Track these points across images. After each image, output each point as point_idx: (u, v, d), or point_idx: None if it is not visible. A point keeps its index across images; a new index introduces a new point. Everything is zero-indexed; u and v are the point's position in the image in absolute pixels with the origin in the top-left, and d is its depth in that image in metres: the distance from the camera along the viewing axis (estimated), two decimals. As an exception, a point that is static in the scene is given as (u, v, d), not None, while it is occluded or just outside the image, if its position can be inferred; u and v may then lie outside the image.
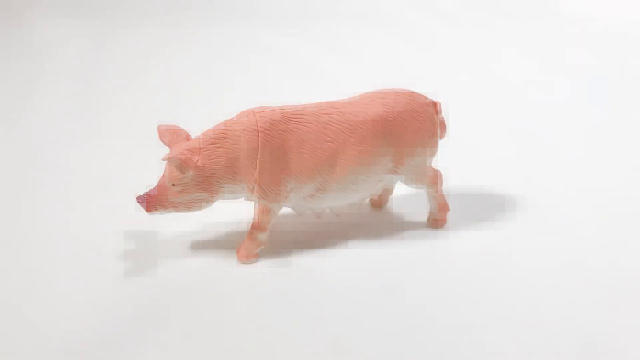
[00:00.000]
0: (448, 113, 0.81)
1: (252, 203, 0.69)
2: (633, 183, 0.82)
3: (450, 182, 0.78)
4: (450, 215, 0.72)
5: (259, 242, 0.64)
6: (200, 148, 0.61)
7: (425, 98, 0.67)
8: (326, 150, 0.62)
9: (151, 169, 0.72)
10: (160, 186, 0.61)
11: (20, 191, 0.78)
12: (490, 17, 1.68)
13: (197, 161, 0.60)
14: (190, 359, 0.52)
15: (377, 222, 0.72)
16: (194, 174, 0.60)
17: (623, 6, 1.63)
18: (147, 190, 0.62)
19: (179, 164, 0.59)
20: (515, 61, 1.34)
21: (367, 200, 0.76)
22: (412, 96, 0.66)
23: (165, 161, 0.60)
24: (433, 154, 0.67)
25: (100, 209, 0.74)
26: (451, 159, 0.81)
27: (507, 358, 0.53)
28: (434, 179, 0.69)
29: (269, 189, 0.62)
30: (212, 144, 0.61)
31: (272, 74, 1.26)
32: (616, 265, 0.65)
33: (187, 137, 0.63)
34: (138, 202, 0.61)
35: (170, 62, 1.32)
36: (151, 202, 0.61)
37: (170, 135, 0.63)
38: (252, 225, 0.64)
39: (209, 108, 1.06)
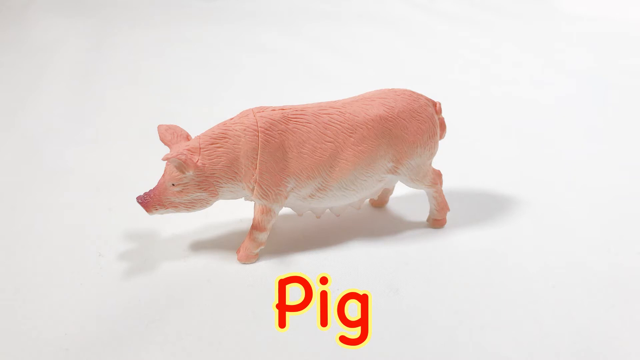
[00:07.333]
0: (448, 113, 0.81)
1: (252, 203, 0.69)
2: (633, 183, 0.82)
3: (450, 182, 0.78)
4: (450, 215, 0.72)
5: (258, 242, 0.64)
6: (200, 148, 0.61)
7: (425, 98, 0.67)
8: (326, 150, 0.62)
9: (151, 169, 0.72)
10: (160, 186, 0.61)
11: (20, 191, 0.78)
12: (490, 17, 1.68)
13: (197, 161, 0.60)
14: (190, 359, 0.52)
15: (377, 222, 0.72)
16: (194, 174, 0.60)
17: (623, 6, 1.63)
18: (147, 191, 0.62)
19: (179, 164, 0.59)
20: (515, 61, 1.34)
21: (367, 200, 0.76)
22: (412, 96, 0.66)
23: (165, 161, 0.60)
24: (433, 154, 0.67)
25: (100, 209, 0.74)
26: (451, 159, 0.81)
27: (507, 358, 0.53)
28: (434, 179, 0.69)
29: (269, 189, 0.61)
30: (212, 144, 0.61)
31: (272, 74, 1.26)
32: (616, 265, 0.65)
33: (187, 137, 0.63)
34: (138, 202, 0.61)
35: (170, 61, 1.33)
36: (151, 202, 0.61)
37: (170, 135, 0.63)
38: (252, 225, 0.64)
39: (209, 108, 1.07)
